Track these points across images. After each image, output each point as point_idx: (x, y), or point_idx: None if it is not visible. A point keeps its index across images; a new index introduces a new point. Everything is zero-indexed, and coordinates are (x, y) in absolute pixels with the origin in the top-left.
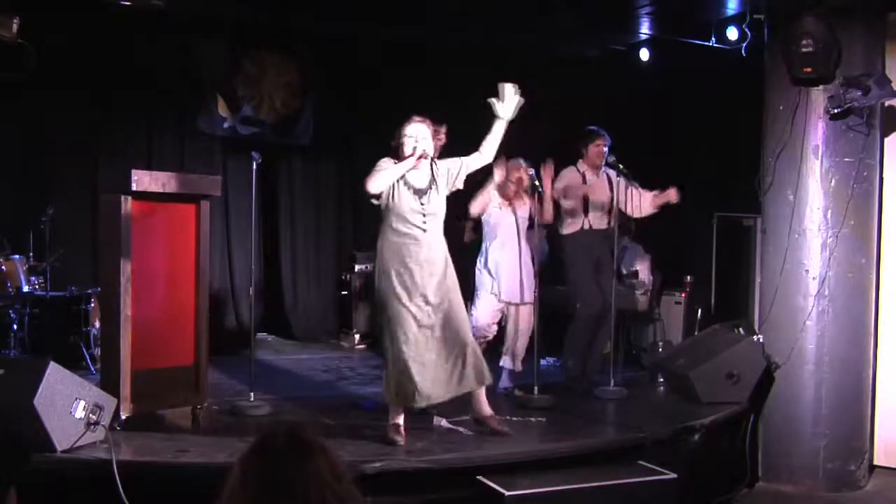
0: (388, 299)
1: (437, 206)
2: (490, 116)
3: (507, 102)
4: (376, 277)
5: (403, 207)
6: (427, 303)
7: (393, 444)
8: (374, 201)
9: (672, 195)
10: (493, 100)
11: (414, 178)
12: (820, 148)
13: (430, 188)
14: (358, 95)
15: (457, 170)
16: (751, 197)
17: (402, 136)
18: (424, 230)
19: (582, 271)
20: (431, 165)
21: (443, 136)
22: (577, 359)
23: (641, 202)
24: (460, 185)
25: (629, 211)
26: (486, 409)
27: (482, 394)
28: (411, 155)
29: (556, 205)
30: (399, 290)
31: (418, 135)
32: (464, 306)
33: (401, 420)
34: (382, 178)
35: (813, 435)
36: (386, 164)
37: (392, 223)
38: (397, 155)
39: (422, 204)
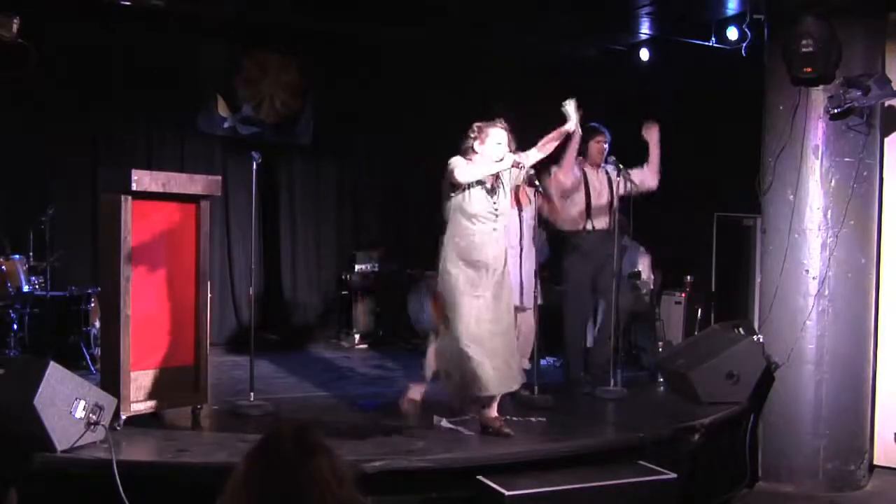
0: (450, 295)
1: (505, 205)
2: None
3: (572, 119)
4: (440, 276)
5: (477, 208)
6: (486, 301)
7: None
8: (453, 194)
9: (651, 132)
10: (568, 112)
11: (486, 179)
12: (820, 148)
13: (499, 188)
14: (358, 95)
15: (518, 170)
16: (751, 197)
17: (485, 136)
18: (495, 228)
19: (576, 275)
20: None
21: (514, 139)
22: (577, 358)
23: (645, 174)
24: (520, 180)
25: (641, 184)
26: (495, 411)
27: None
28: (501, 161)
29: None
30: (463, 287)
31: (504, 142)
32: (512, 310)
33: (419, 397)
34: (474, 170)
35: (813, 435)
36: (461, 163)
37: (465, 223)
38: (469, 154)
39: (493, 203)
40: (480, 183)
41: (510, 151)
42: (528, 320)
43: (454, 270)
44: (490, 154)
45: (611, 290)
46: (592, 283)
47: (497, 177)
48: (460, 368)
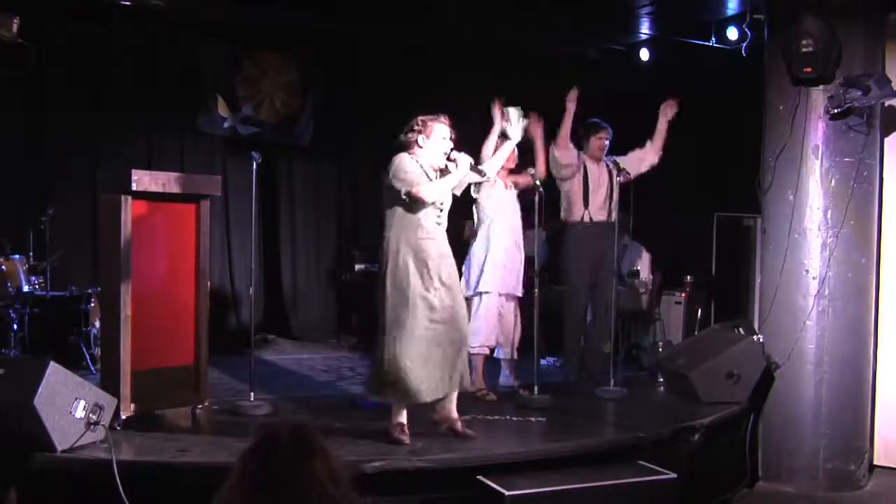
0: (401, 293)
1: (448, 201)
2: (489, 127)
3: (515, 126)
4: (388, 272)
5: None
6: (439, 297)
7: (399, 444)
8: (406, 199)
9: (669, 110)
10: (505, 124)
11: (433, 175)
12: (820, 148)
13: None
14: (358, 95)
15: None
16: (751, 197)
17: (430, 131)
18: (439, 224)
19: (575, 269)
20: (446, 164)
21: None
22: (575, 357)
23: (647, 152)
24: (458, 193)
25: (641, 166)
26: (455, 413)
27: (455, 396)
28: (450, 159)
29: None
30: (415, 284)
31: (448, 136)
32: (464, 303)
33: (404, 419)
34: (440, 188)
35: (813, 435)
36: (412, 166)
37: (411, 218)
38: (413, 148)
39: (440, 200)
40: (429, 179)
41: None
42: (513, 308)
43: (402, 268)
44: (436, 148)
45: (607, 289)
46: (589, 281)
47: (443, 170)
48: (400, 369)
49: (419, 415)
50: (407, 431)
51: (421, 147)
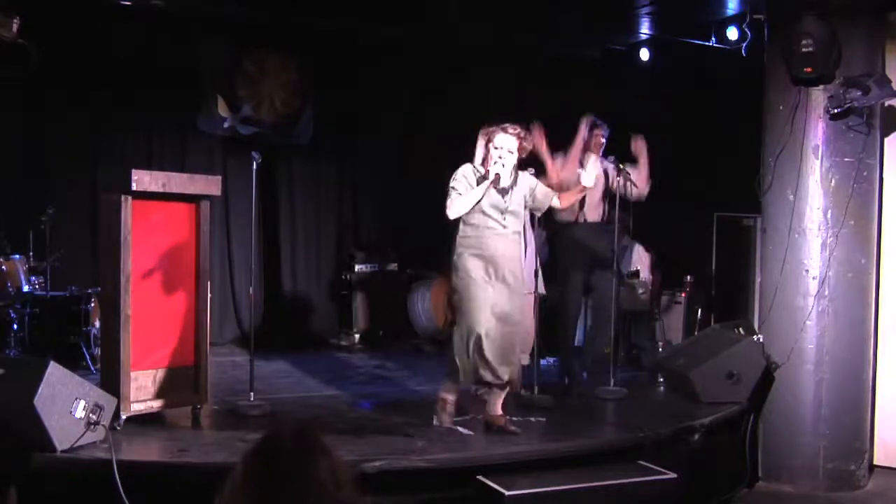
0: (464, 287)
1: (517, 205)
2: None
3: (590, 171)
4: (453, 266)
5: (483, 202)
6: (498, 293)
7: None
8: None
9: (639, 145)
10: (581, 170)
11: (498, 178)
12: (820, 148)
13: (513, 188)
14: (358, 95)
15: (537, 197)
16: (751, 197)
17: (486, 141)
18: (504, 226)
19: (569, 269)
20: (517, 169)
21: (529, 144)
22: (570, 356)
23: (638, 179)
24: (536, 210)
25: (634, 194)
26: (499, 409)
27: (502, 395)
28: (496, 175)
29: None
30: (474, 279)
31: (506, 147)
32: (525, 303)
33: (452, 398)
34: (462, 205)
35: (813, 435)
36: (465, 177)
37: (471, 217)
38: (482, 159)
39: (504, 202)
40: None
41: (519, 157)
42: (528, 311)
43: (465, 262)
44: (488, 157)
45: (607, 289)
46: (585, 281)
47: (516, 177)
48: (476, 353)
49: (421, 414)
50: (450, 411)
51: (476, 155)
